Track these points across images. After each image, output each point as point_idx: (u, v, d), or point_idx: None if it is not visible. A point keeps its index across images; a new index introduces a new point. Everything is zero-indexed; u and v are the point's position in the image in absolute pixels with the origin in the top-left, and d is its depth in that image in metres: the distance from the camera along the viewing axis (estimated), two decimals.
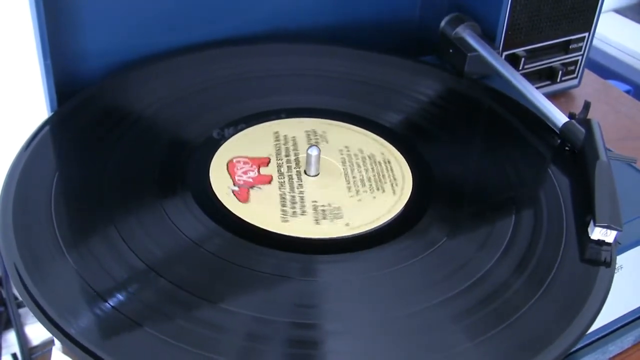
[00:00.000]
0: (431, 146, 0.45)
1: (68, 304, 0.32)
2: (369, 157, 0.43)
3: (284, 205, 0.38)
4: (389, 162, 0.43)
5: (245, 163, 0.41)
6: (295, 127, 0.45)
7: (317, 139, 0.44)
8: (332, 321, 0.33)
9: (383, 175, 0.41)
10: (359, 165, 0.42)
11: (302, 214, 0.38)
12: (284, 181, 0.40)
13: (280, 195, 0.39)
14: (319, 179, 0.41)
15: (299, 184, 0.40)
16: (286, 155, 0.42)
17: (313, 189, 0.40)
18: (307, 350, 0.31)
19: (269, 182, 0.40)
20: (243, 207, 0.38)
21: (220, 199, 0.39)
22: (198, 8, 0.51)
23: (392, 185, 0.41)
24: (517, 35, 0.56)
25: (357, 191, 0.40)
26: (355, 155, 0.43)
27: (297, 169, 0.41)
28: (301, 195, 0.39)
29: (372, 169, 0.42)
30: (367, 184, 0.41)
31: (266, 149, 0.43)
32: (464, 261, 0.36)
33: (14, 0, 0.44)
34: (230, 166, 0.41)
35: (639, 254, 0.40)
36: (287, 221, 0.37)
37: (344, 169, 0.42)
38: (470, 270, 0.35)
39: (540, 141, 0.46)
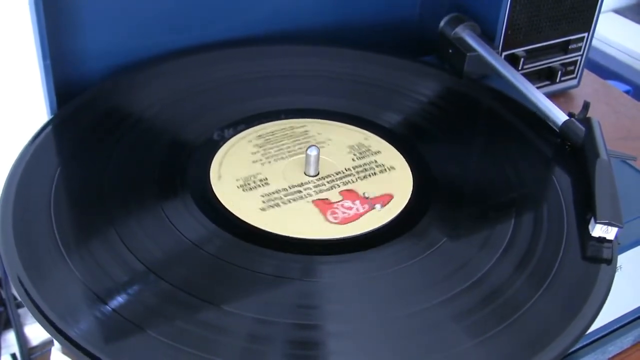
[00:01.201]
0: (431, 146, 0.45)
1: (68, 307, 0.32)
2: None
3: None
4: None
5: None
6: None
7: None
8: (333, 322, 0.33)
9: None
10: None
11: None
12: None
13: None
14: (316, 180, 0.41)
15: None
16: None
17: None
18: (308, 351, 0.31)
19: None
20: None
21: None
22: (198, 9, 0.51)
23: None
24: (516, 35, 0.56)
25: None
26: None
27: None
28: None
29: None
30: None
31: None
32: (465, 261, 0.36)
33: (14, 0, 0.44)
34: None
35: (639, 254, 0.40)
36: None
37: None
38: (470, 270, 0.35)
39: (540, 140, 0.46)
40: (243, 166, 0.41)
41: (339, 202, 0.39)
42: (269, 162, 0.42)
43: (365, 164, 0.42)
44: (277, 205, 0.39)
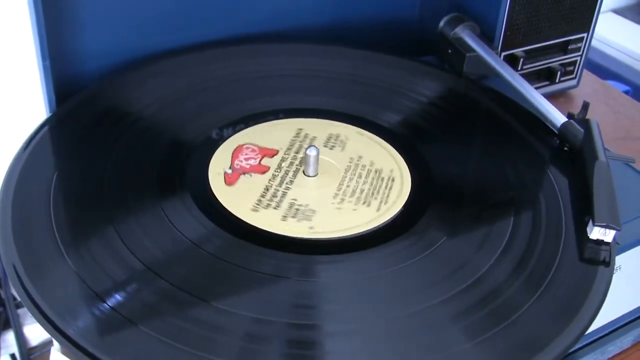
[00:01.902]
0: (430, 146, 0.45)
1: (67, 305, 0.32)
2: (376, 171, 0.42)
3: (262, 196, 0.39)
4: (392, 179, 0.42)
5: (252, 151, 0.41)
6: (320, 128, 0.45)
7: (335, 143, 0.44)
8: (331, 322, 0.33)
9: (377, 192, 0.41)
10: (359, 176, 0.42)
11: (275, 208, 0.38)
12: (278, 175, 0.40)
13: (266, 186, 0.39)
14: (313, 180, 0.41)
15: (291, 181, 0.40)
16: (295, 152, 0.42)
17: (301, 188, 0.40)
18: (306, 351, 0.31)
19: (263, 173, 0.40)
20: (225, 190, 0.39)
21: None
22: (196, 8, 0.51)
23: (380, 202, 0.40)
24: (515, 35, 0.56)
25: (342, 200, 0.40)
26: (363, 166, 0.42)
27: (298, 167, 0.41)
28: (285, 191, 0.39)
29: (371, 183, 0.41)
30: (356, 195, 0.40)
31: (281, 143, 0.43)
32: (463, 261, 0.36)
33: (13, 0, 0.44)
34: (236, 150, 0.41)
35: (638, 254, 0.40)
36: (257, 211, 0.38)
37: (342, 176, 0.42)
38: (469, 270, 0.35)
39: (539, 141, 0.46)
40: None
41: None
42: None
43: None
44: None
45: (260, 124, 0.45)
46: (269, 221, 0.37)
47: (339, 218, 0.38)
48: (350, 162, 0.43)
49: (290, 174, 0.41)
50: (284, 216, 0.38)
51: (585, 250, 0.37)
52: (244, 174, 0.39)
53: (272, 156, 0.42)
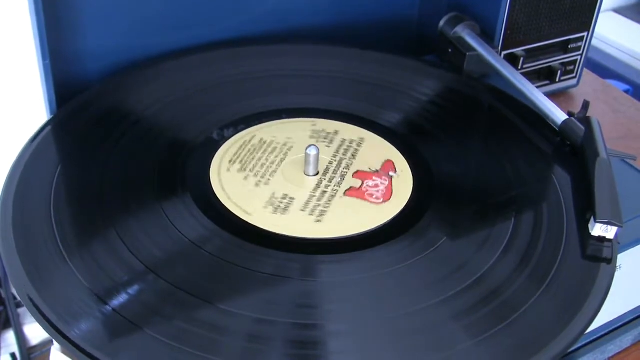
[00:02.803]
0: (431, 145, 0.45)
1: (68, 307, 0.31)
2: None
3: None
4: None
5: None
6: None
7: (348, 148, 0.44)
8: (333, 321, 0.33)
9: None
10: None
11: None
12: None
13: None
14: (318, 178, 0.41)
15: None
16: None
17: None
18: (308, 351, 0.31)
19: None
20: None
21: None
22: (197, 9, 0.51)
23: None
24: (516, 34, 0.56)
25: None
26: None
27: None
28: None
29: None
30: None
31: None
32: (465, 260, 0.36)
33: (14, 0, 0.44)
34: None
35: (639, 253, 0.40)
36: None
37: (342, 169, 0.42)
38: (470, 269, 0.35)
39: (540, 139, 0.46)
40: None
41: (362, 185, 0.40)
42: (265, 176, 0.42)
43: (340, 146, 0.43)
44: (286, 208, 0.39)
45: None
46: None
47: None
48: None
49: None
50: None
51: (587, 248, 0.37)
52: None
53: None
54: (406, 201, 0.40)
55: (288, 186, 0.40)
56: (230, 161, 0.42)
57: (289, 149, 0.43)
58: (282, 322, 0.32)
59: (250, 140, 0.44)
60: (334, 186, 0.40)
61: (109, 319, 0.31)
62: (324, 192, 0.40)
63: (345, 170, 0.41)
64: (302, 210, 0.38)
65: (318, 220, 0.38)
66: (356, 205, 0.39)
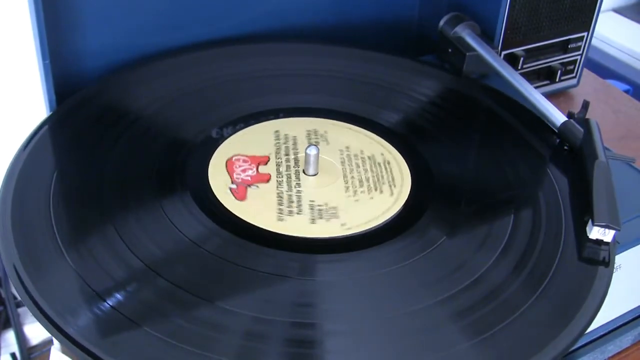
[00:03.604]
0: (430, 145, 0.45)
1: (67, 304, 0.32)
2: (369, 157, 0.43)
3: (280, 204, 0.39)
4: (388, 162, 0.43)
5: (244, 161, 0.41)
6: (296, 126, 0.45)
7: (317, 138, 0.44)
8: (331, 321, 0.33)
9: (382, 176, 0.41)
10: (358, 166, 0.42)
11: (298, 213, 0.38)
12: (282, 180, 0.40)
13: (278, 194, 0.39)
14: (317, 179, 0.41)
15: (297, 183, 0.40)
16: (285, 154, 0.42)
17: (311, 188, 0.40)
18: (306, 350, 0.31)
19: (267, 181, 0.40)
20: (240, 206, 0.38)
21: (219, 198, 0.39)
22: (196, 8, 0.51)
23: (390, 186, 0.41)
24: (515, 34, 0.56)
25: (355, 191, 0.40)
26: (355, 155, 0.43)
27: (296, 168, 0.41)
28: (298, 194, 0.39)
29: (371, 169, 0.42)
30: (365, 184, 0.41)
31: (266, 148, 0.43)
32: (463, 260, 0.36)
33: (14, 0, 0.44)
34: (229, 164, 0.41)
35: (638, 254, 0.40)
36: (283, 220, 0.37)
37: (342, 169, 0.42)
38: (469, 269, 0.35)
39: (539, 141, 0.46)
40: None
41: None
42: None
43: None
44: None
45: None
46: (299, 227, 0.37)
47: (362, 210, 0.39)
48: (341, 155, 0.43)
49: (293, 176, 0.41)
50: (312, 219, 0.38)
51: (584, 250, 0.37)
52: (249, 186, 0.39)
53: (266, 163, 0.41)
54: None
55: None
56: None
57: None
58: (281, 320, 0.32)
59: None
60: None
61: (107, 316, 0.31)
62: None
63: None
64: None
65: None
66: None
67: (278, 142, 0.43)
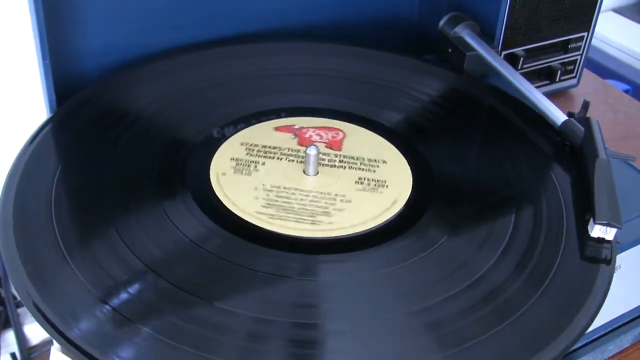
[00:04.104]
0: (431, 145, 0.45)
1: (68, 307, 0.31)
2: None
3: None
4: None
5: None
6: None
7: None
8: (332, 321, 0.33)
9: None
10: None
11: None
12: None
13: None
14: (317, 179, 0.41)
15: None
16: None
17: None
18: (307, 350, 0.31)
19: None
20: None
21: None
22: (196, 7, 0.51)
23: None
24: (515, 34, 0.56)
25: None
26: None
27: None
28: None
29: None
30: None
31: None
32: (464, 260, 0.36)
33: (14, 0, 0.44)
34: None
35: (638, 253, 0.40)
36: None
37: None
38: (470, 269, 0.35)
39: (540, 139, 0.46)
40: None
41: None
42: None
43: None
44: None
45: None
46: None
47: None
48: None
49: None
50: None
51: (586, 249, 0.37)
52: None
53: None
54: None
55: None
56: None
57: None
58: (282, 321, 0.32)
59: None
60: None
61: (109, 319, 0.31)
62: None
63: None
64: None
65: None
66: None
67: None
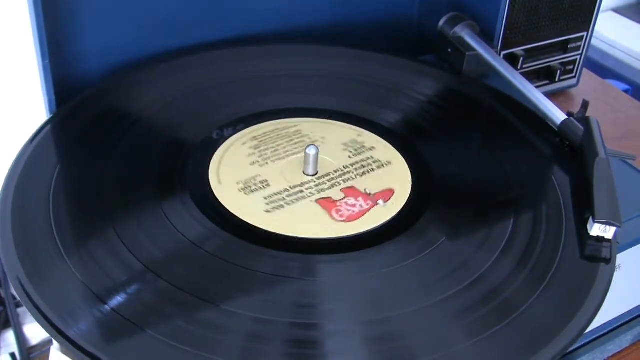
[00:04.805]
0: (430, 145, 0.45)
1: (68, 306, 0.31)
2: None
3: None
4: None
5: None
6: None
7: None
8: (332, 321, 0.33)
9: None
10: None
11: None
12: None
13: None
14: (316, 179, 0.41)
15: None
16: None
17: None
18: (308, 350, 0.31)
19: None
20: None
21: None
22: (197, 9, 0.51)
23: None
24: (515, 34, 0.56)
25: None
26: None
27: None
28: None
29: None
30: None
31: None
32: (464, 260, 0.36)
33: (14, 0, 0.44)
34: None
35: (638, 253, 0.40)
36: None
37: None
38: (470, 269, 0.35)
39: (539, 139, 0.46)
40: (241, 167, 0.41)
41: (342, 199, 0.39)
42: (267, 163, 0.42)
43: (362, 161, 0.43)
44: (281, 206, 0.38)
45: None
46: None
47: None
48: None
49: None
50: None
51: (586, 248, 0.37)
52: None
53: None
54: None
55: (285, 185, 0.40)
56: (231, 159, 0.42)
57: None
58: (281, 321, 0.32)
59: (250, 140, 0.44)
60: (315, 190, 0.40)
61: (108, 319, 0.31)
62: (301, 191, 0.40)
63: (340, 181, 0.41)
64: (265, 198, 0.39)
65: (267, 211, 0.38)
66: (317, 214, 0.38)
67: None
